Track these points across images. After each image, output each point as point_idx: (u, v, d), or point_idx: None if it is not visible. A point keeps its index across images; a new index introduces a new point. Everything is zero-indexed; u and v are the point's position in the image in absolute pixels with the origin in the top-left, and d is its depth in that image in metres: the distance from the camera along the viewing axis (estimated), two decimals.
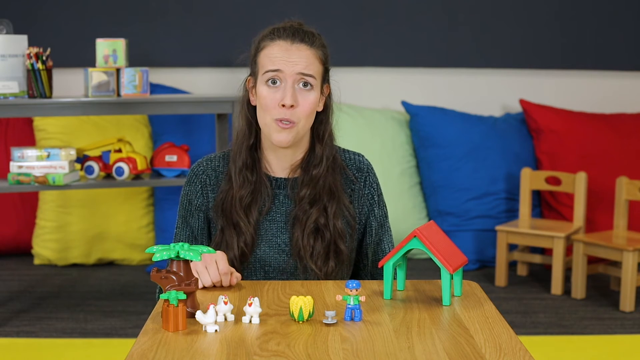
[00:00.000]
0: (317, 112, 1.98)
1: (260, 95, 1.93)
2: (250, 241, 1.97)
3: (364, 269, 2.10)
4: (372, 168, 2.08)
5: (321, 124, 2.00)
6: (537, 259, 4.28)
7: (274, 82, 1.91)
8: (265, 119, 1.93)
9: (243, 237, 1.96)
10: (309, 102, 1.92)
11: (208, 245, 2.02)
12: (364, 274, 2.10)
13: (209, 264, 1.80)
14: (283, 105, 1.90)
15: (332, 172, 2.00)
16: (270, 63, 1.91)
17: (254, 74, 1.98)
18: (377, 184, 2.08)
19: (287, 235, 1.99)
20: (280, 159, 2.00)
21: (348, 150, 2.08)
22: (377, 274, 2.08)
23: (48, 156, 3.50)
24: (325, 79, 1.99)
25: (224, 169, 2.02)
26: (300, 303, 1.60)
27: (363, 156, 2.09)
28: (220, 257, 1.82)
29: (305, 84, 1.92)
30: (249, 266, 1.99)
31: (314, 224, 1.97)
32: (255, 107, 1.98)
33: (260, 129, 1.98)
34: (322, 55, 1.96)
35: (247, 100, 2.01)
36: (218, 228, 2.00)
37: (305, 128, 1.95)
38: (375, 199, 2.07)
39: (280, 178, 2.01)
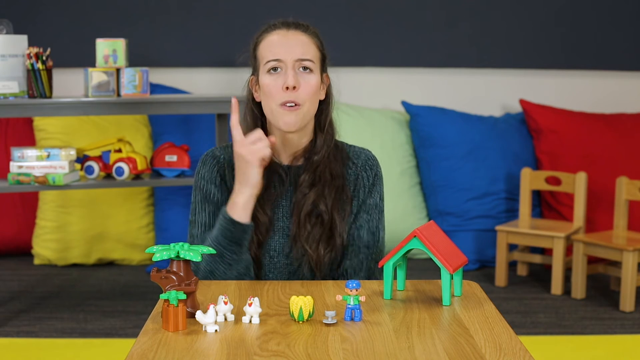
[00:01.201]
0: (319, 102, 2.02)
1: (263, 85, 1.97)
2: (264, 232, 2.01)
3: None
4: (372, 158, 2.09)
5: (322, 113, 2.04)
6: (537, 259, 4.28)
7: (274, 69, 1.96)
8: (271, 107, 1.97)
9: (259, 228, 2.00)
10: (311, 84, 1.96)
11: None
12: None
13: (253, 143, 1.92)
14: (287, 88, 1.93)
15: (333, 160, 2.04)
16: (270, 53, 1.96)
17: (255, 70, 2.02)
18: (376, 175, 2.08)
19: (290, 220, 2.03)
20: (286, 146, 2.03)
21: (355, 146, 2.12)
22: (350, 256, 2.05)
23: (48, 156, 3.50)
24: (324, 66, 2.03)
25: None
26: (300, 303, 1.60)
27: (370, 151, 2.12)
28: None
29: (305, 68, 1.96)
30: None
31: (311, 206, 2.00)
32: (260, 103, 2.02)
33: (266, 123, 2.02)
34: (318, 42, 2.02)
35: (251, 97, 2.05)
36: None
37: (310, 112, 1.99)
38: (367, 184, 2.06)
39: (285, 165, 2.05)
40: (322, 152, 2.02)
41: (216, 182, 2.03)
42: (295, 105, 1.94)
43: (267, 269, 2.02)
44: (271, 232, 2.01)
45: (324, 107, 2.04)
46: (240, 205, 1.94)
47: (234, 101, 1.98)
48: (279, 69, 1.95)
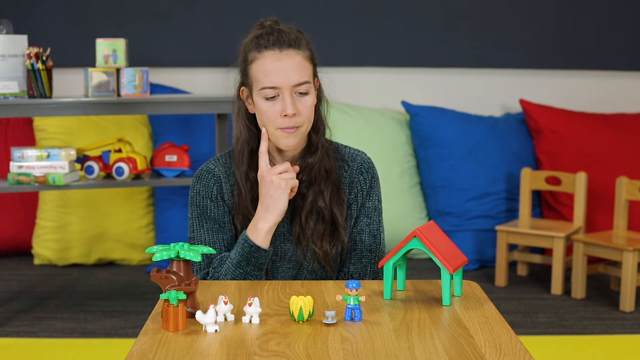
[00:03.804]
0: None
1: (260, 109, 1.96)
2: None
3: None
4: (368, 161, 2.09)
5: (314, 113, 2.03)
6: (537, 259, 4.28)
7: (271, 96, 1.94)
8: (269, 130, 1.96)
9: None
10: (308, 106, 1.96)
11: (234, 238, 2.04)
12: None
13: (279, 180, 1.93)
14: (285, 115, 1.93)
15: (326, 157, 2.03)
16: (266, 79, 1.93)
17: (247, 85, 2.00)
18: (373, 178, 2.08)
19: (289, 224, 2.03)
20: (283, 156, 2.03)
21: (350, 147, 2.12)
22: (354, 261, 2.07)
23: (48, 156, 3.50)
24: (315, 73, 2.02)
25: (232, 165, 2.04)
26: (300, 303, 1.60)
27: (364, 153, 2.11)
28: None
29: (302, 91, 1.95)
30: None
31: (310, 206, 2.01)
32: (253, 114, 2.01)
33: (260, 133, 2.01)
34: (310, 54, 1.98)
35: (244, 108, 2.03)
36: (239, 229, 2.03)
37: (309, 127, 1.99)
38: (365, 187, 2.07)
39: None
40: (317, 152, 2.02)
41: (212, 197, 2.02)
42: (295, 128, 1.95)
43: (270, 275, 2.03)
44: (272, 238, 2.00)
45: (316, 108, 2.03)
46: (265, 232, 1.93)
47: (264, 131, 1.96)
48: (275, 96, 1.93)
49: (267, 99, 1.94)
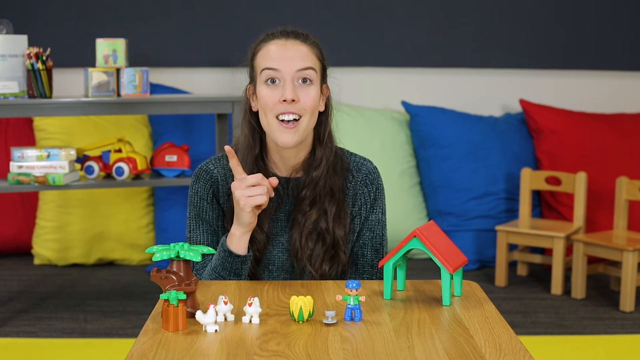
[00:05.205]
0: (318, 113, 1.98)
1: (260, 96, 1.93)
2: (262, 247, 1.98)
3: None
4: (373, 171, 2.05)
5: (321, 125, 1.99)
6: (537, 259, 4.28)
7: (272, 81, 1.91)
8: (268, 119, 1.92)
9: (256, 245, 1.97)
10: (311, 96, 1.91)
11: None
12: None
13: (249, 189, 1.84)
14: (284, 101, 1.89)
15: (333, 174, 1.99)
16: (267, 62, 1.91)
17: (252, 80, 1.98)
18: (377, 189, 2.04)
19: (288, 234, 2.00)
20: (285, 160, 1.99)
21: (356, 155, 2.07)
22: (354, 276, 2.05)
23: (48, 156, 3.50)
24: (324, 77, 1.99)
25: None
26: (300, 303, 1.60)
27: (371, 162, 2.07)
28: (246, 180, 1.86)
29: (305, 80, 1.91)
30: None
31: (312, 225, 1.97)
32: (257, 113, 1.98)
33: (264, 135, 1.98)
34: (318, 52, 1.96)
35: (249, 107, 2.00)
36: None
37: (309, 126, 1.94)
38: (369, 200, 2.03)
39: (282, 177, 2.01)
40: (321, 166, 1.97)
41: (208, 199, 2.00)
42: (295, 120, 1.90)
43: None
44: (269, 247, 1.98)
45: (323, 118, 1.99)
46: (237, 238, 1.91)
47: (227, 148, 1.89)
48: (277, 81, 1.90)
49: (268, 84, 1.91)
